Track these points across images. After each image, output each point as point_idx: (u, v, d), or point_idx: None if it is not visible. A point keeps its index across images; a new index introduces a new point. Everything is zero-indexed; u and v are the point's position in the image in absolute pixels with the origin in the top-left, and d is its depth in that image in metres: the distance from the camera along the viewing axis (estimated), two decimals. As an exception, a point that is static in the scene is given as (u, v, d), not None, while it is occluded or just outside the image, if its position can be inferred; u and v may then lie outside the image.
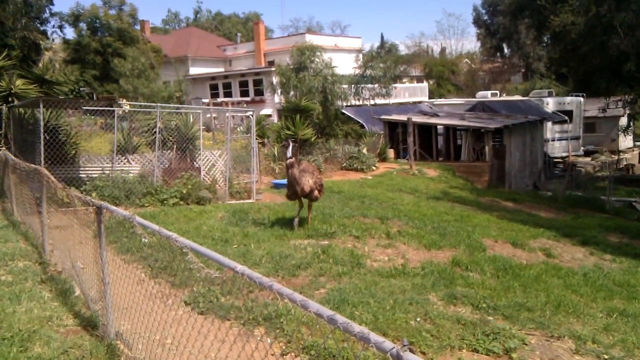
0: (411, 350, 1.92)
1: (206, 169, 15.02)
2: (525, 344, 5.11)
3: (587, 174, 29.03)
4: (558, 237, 11.36)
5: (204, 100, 41.80)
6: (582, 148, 37.01)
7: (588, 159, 36.20)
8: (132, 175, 13.74)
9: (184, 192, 12.84)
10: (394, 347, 1.92)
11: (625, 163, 35.37)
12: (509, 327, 5.36)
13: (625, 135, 35.77)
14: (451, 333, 5.23)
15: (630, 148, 38.92)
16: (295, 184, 9.47)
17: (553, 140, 34.23)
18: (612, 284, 7.94)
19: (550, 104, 35.38)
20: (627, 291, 7.66)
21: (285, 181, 16.99)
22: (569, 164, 29.32)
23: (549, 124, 33.00)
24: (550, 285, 7.40)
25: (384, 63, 32.33)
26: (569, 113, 34.96)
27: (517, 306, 6.15)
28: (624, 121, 35.03)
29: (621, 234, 13.16)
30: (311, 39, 37.40)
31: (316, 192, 9.73)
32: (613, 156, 36.22)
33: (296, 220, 9.76)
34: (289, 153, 9.48)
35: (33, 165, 8.46)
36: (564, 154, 34.87)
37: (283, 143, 9.75)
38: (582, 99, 35.90)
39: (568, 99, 36.46)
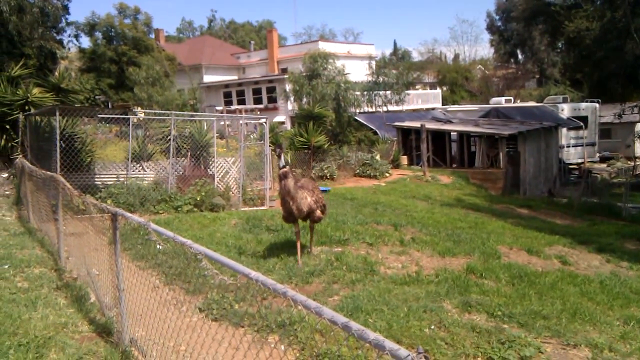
0: (426, 358, 1.90)
1: (220, 176, 15.08)
2: (541, 352, 5.05)
3: (602, 180, 28.70)
4: (574, 244, 11.25)
5: (218, 108, 42.03)
6: (597, 154, 36.66)
7: (604, 165, 35.82)
8: (146, 182, 13.85)
9: (198, 199, 12.91)
10: (409, 355, 1.91)
11: (641, 169, 34.97)
12: (524, 335, 5.30)
13: (641, 142, 35.43)
14: (466, 341, 5.19)
15: (646, 154, 38.48)
16: (289, 200, 7.61)
17: (568, 146, 33.94)
18: (629, 292, 7.83)
19: (565, 110, 35.11)
20: (644, 299, 7.56)
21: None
22: (585, 171, 29.05)
23: (564, 130, 32.75)
24: (566, 293, 7.32)
25: (397, 70, 32.34)
26: (584, 119, 34.67)
27: (533, 314, 6.08)
28: (640, 127, 34.67)
29: (638, 241, 12.99)
30: (324, 47, 37.53)
31: (318, 212, 7.96)
32: (629, 162, 35.79)
33: (299, 254, 7.96)
34: (282, 161, 7.61)
35: (49, 173, 8.55)
36: (580, 161, 34.57)
37: (277, 150, 7.79)
38: (597, 105, 35.59)
39: (583, 104, 36.16)
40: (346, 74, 28.80)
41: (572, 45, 31.50)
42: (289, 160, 20.33)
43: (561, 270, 8.76)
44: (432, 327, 5.52)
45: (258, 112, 38.34)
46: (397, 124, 28.34)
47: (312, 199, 7.77)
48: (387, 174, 22.05)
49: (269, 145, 15.74)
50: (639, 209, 19.28)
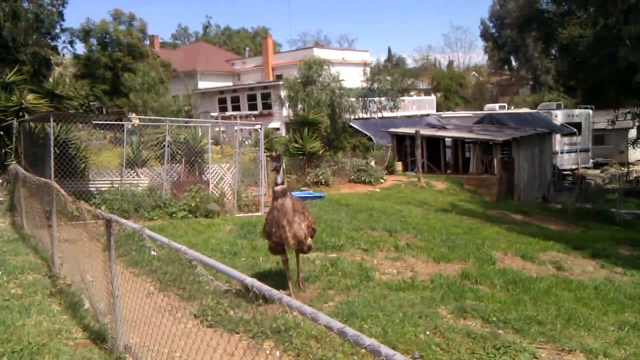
0: (422, 363, 1.91)
1: (214, 182, 15.06)
2: (536, 358, 5.06)
3: (596, 186, 28.84)
4: (568, 250, 11.28)
5: (213, 114, 42.03)
6: (591, 160, 36.85)
7: (597, 171, 36.01)
8: (141, 188, 13.80)
9: (193, 205, 12.88)
10: (404, 360, 1.92)
11: (635, 175, 35.12)
12: (519, 341, 5.31)
13: (634, 147, 35.61)
14: (461, 347, 5.19)
15: (639, 160, 38.69)
16: (285, 225, 6.36)
17: (562, 152, 34.12)
18: (623, 297, 7.86)
19: (559, 116, 35.30)
20: (638, 304, 7.58)
21: (295, 194, 17.02)
22: (578, 177, 29.19)
23: (558, 136, 32.91)
24: (560, 298, 7.34)
25: (392, 76, 32.44)
26: (578, 125, 34.86)
27: (528, 319, 6.10)
28: (633, 133, 34.88)
29: (632, 246, 13.05)
30: (319, 53, 37.62)
31: (309, 240, 6.76)
32: (623, 168, 36.02)
33: (290, 285, 6.78)
34: (280, 177, 6.48)
35: (43, 179, 8.52)
36: (573, 167, 34.74)
37: (274, 164, 6.57)
38: (590, 111, 35.79)
39: (577, 111, 36.36)
40: (341, 80, 28.87)
41: (566, 52, 31.71)
42: (284, 167, 20.31)
43: (556, 276, 8.79)
44: (428, 332, 5.52)
45: (253, 118, 38.35)
46: (391, 130, 28.39)
47: (305, 225, 6.58)
48: (382, 180, 22.06)
49: (264, 152, 15.74)
50: (633, 215, 19.37)
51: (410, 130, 26.39)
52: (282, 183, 6.48)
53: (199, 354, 4.25)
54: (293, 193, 15.57)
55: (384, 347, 2.01)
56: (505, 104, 46.87)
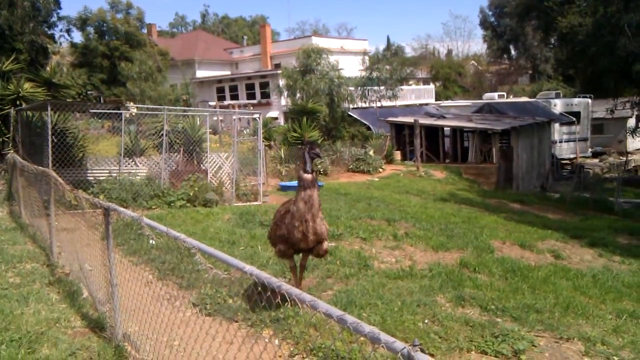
0: (422, 350, 1.90)
1: (213, 172, 15.04)
2: (534, 346, 5.07)
3: (595, 175, 28.87)
4: (566, 238, 11.30)
5: (211, 103, 41.87)
6: (590, 149, 36.85)
7: (596, 161, 36.03)
8: (139, 177, 13.79)
9: (191, 194, 12.86)
10: (404, 347, 1.91)
11: (633, 164, 35.15)
12: (517, 329, 5.32)
13: (633, 137, 35.58)
14: (459, 335, 5.20)
15: (638, 149, 38.69)
16: (309, 220, 5.51)
17: (561, 141, 34.11)
18: (621, 286, 7.87)
19: (558, 106, 35.26)
20: (636, 292, 7.60)
21: (294, 183, 16.96)
22: (577, 166, 29.18)
23: (557, 125, 32.89)
24: (559, 286, 7.35)
25: (390, 65, 32.32)
26: (577, 114, 34.83)
27: (526, 308, 6.11)
28: (632, 122, 34.83)
29: (630, 235, 13.07)
30: (317, 42, 37.41)
31: (326, 244, 5.91)
32: (621, 157, 36.02)
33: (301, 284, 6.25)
34: (309, 166, 5.60)
35: (41, 168, 8.50)
36: (572, 156, 34.75)
37: (310, 152, 5.67)
38: (589, 100, 35.74)
39: (576, 100, 36.32)
40: (340, 69, 28.77)
41: (565, 41, 31.53)
42: (282, 156, 20.26)
43: (554, 265, 8.80)
44: (426, 321, 5.53)
45: (251, 108, 38.24)
46: (390, 119, 28.35)
47: (325, 225, 5.81)
48: (381, 169, 22.06)
49: (263, 141, 15.71)
50: (631, 204, 19.40)
51: (409, 120, 26.35)
52: (312, 172, 5.61)
53: (197, 342, 4.26)
54: (290, 182, 15.52)
55: (383, 335, 2.00)
56: (504, 93, 46.81)
